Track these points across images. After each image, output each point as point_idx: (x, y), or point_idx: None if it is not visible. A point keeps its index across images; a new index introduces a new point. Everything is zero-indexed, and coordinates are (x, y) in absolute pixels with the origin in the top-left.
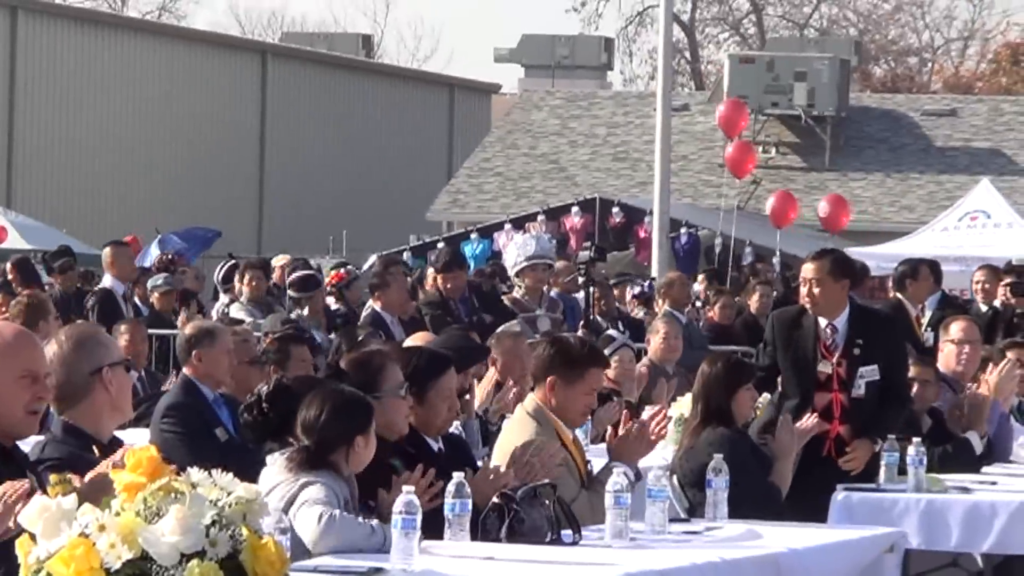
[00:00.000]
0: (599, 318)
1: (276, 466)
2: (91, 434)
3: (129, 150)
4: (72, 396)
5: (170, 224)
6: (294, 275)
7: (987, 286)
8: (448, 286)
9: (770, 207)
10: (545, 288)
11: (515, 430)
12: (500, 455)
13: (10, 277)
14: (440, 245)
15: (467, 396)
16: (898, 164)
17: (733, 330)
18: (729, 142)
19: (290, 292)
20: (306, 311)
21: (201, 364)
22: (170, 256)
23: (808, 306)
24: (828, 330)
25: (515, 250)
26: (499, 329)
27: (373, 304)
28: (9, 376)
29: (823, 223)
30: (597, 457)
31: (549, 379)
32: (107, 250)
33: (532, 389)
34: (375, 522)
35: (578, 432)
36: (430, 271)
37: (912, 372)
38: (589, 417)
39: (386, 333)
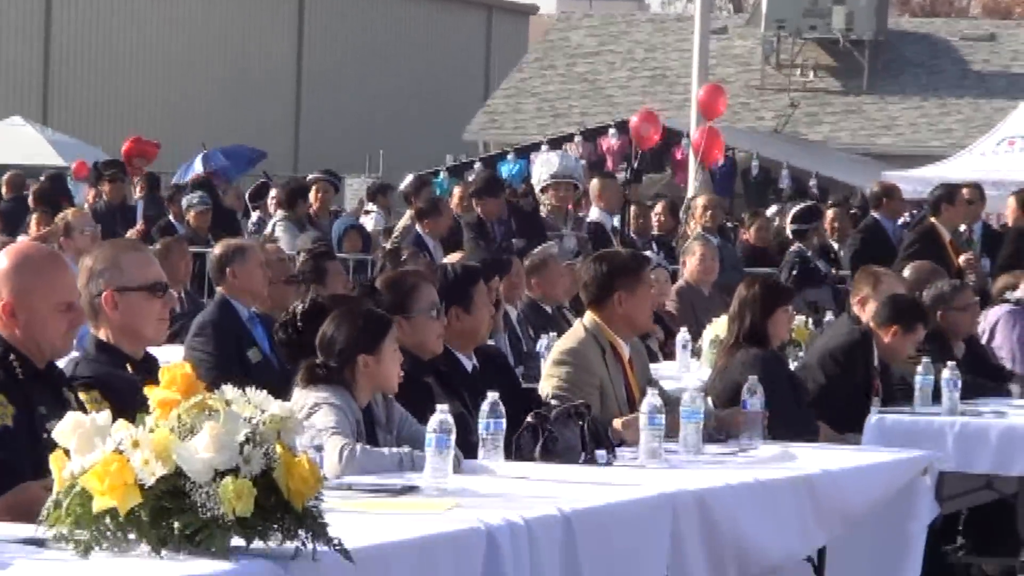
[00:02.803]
0: (635, 237)
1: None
2: (124, 351)
3: (166, 69)
4: (95, 316)
5: (209, 141)
6: None
7: None
8: (484, 210)
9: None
10: (571, 207)
11: (569, 344)
12: (547, 363)
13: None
14: (477, 165)
15: (495, 311)
16: (936, 88)
17: (769, 252)
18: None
19: None
20: None
21: (236, 280)
22: (208, 174)
23: None
24: None
25: (540, 167)
26: (535, 251)
27: (418, 227)
28: (45, 306)
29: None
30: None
31: (616, 295)
32: None
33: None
34: (405, 449)
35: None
36: (456, 190)
37: (956, 300)
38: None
39: (428, 255)
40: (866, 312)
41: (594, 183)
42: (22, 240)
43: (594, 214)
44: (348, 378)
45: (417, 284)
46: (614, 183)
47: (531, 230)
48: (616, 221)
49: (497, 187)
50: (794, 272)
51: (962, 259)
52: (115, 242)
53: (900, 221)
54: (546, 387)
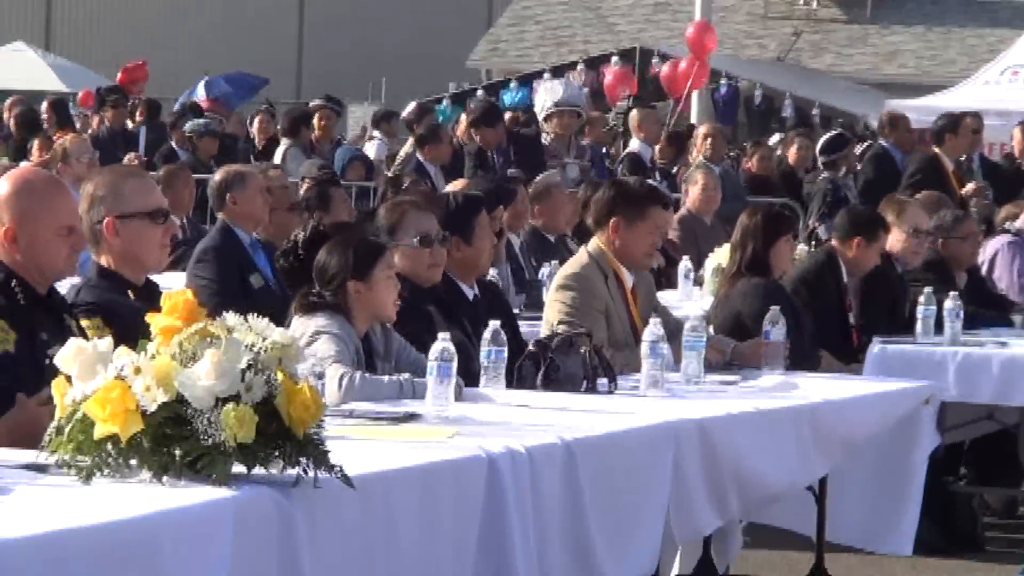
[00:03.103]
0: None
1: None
2: (126, 277)
3: None
4: (96, 243)
5: (211, 68)
6: None
7: None
8: (483, 139)
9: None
10: (574, 136)
11: (573, 270)
12: (551, 289)
13: (45, 118)
14: (479, 93)
15: (497, 241)
16: (940, 17)
17: (771, 181)
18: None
19: None
20: None
21: (236, 207)
22: (211, 100)
23: None
24: None
25: (544, 95)
26: (538, 178)
27: (418, 154)
28: (47, 230)
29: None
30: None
31: (612, 221)
32: None
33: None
34: (405, 376)
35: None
36: (462, 117)
37: (953, 227)
38: (654, 258)
39: (430, 182)
40: (889, 239)
41: (633, 114)
42: (24, 165)
43: (634, 145)
44: (344, 305)
45: (405, 212)
46: (654, 113)
47: (531, 158)
48: (656, 152)
49: (495, 116)
50: (827, 200)
51: (970, 187)
52: (116, 168)
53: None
54: (550, 313)
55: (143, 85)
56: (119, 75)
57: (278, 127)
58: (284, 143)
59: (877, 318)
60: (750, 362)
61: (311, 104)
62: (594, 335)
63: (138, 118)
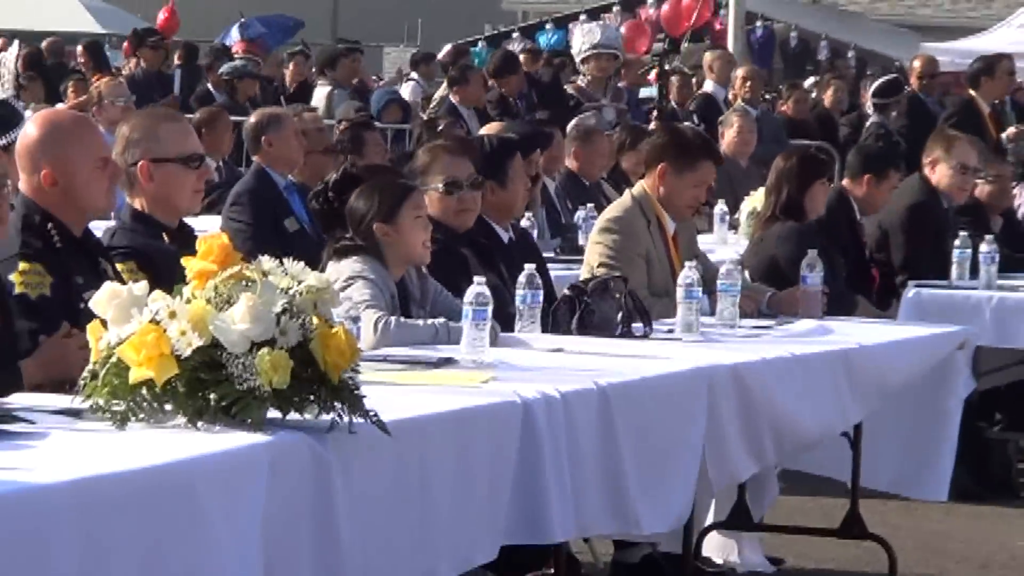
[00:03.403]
0: (676, 106)
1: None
2: (160, 221)
3: None
4: (131, 186)
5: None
6: None
7: None
8: (506, 88)
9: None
10: (611, 78)
11: (616, 213)
12: (593, 232)
13: (81, 61)
14: (515, 35)
15: (532, 185)
16: None
17: (806, 124)
18: None
19: None
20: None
21: (272, 149)
22: (246, 41)
23: None
24: None
25: (581, 37)
26: (576, 120)
27: (451, 96)
28: (85, 167)
29: None
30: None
31: (660, 166)
32: None
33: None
34: (440, 321)
35: None
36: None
37: (989, 171)
38: (696, 211)
39: (464, 124)
40: (936, 173)
41: (707, 55)
42: (47, 109)
43: (708, 87)
44: (376, 249)
45: (438, 157)
46: (727, 54)
47: (553, 99)
48: (729, 94)
49: (514, 63)
50: (880, 144)
51: (1012, 130)
52: (153, 111)
53: None
54: (591, 255)
55: (174, 30)
56: (161, 18)
57: (312, 70)
58: (324, 84)
59: (920, 253)
60: (787, 311)
61: (338, 47)
62: (633, 279)
63: (176, 61)
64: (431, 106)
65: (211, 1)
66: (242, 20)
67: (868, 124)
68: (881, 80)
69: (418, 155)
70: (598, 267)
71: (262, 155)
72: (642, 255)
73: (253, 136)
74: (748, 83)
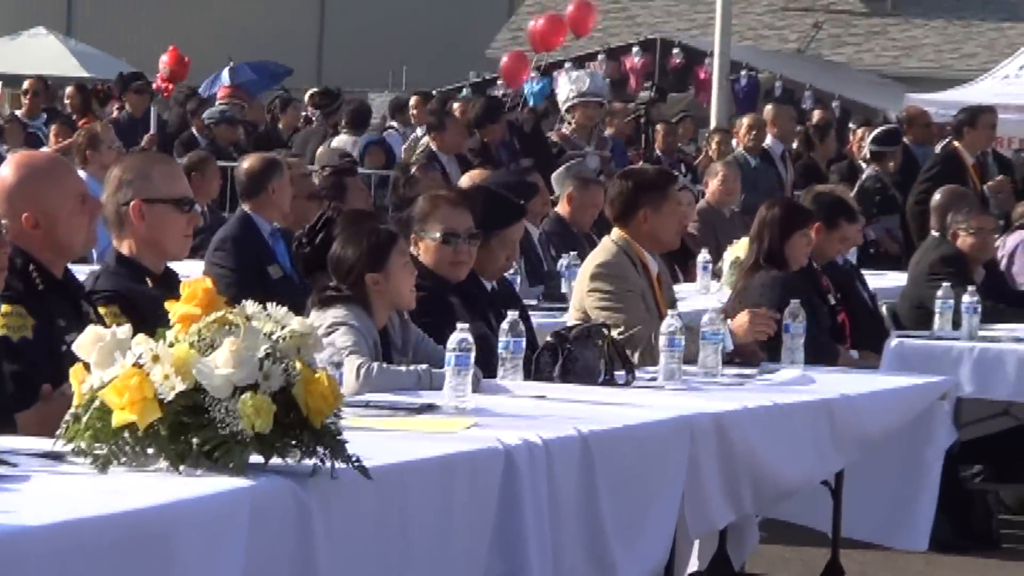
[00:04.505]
0: (660, 154)
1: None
2: (146, 265)
3: None
4: (118, 227)
5: (231, 57)
6: None
7: None
8: (489, 137)
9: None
10: (596, 127)
11: (604, 258)
12: (582, 280)
13: (68, 102)
14: (500, 82)
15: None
16: (960, 11)
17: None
18: None
19: None
20: None
21: (274, 196)
22: (234, 87)
23: None
24: None
25: (568, 85)
26: (569, 168)
27: (430, 143)
28: (65, 206)
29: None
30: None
31: (640, 212)
32: None
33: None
34: (423, 367)
35: None
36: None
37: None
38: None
39: (441, 170)
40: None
41: (768, 109)
42: (21, 152)
43: (768, 141)
44: (362, 298)
45: (438, 207)
46: (788, 110)
47: (535, 148)
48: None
49: (497, 111)
50: (877, 200)
51: (999, 179)
52: (146, 154)
53: None
54: (588, 304)
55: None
56: (164, 61)
57: (302, 115)
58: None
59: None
60: (741, 336)
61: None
62: (636, 318)
63: (188, 106)
64: (416, 152)
65: (195, 46)
66: (231, 65)
67: (864, 176)
68: (880, 129)
69: (418, 202)
70: (600, 312)
71: (257, 202)
72: (638, 295)
73: (256, 182)
74: (753, 132)
